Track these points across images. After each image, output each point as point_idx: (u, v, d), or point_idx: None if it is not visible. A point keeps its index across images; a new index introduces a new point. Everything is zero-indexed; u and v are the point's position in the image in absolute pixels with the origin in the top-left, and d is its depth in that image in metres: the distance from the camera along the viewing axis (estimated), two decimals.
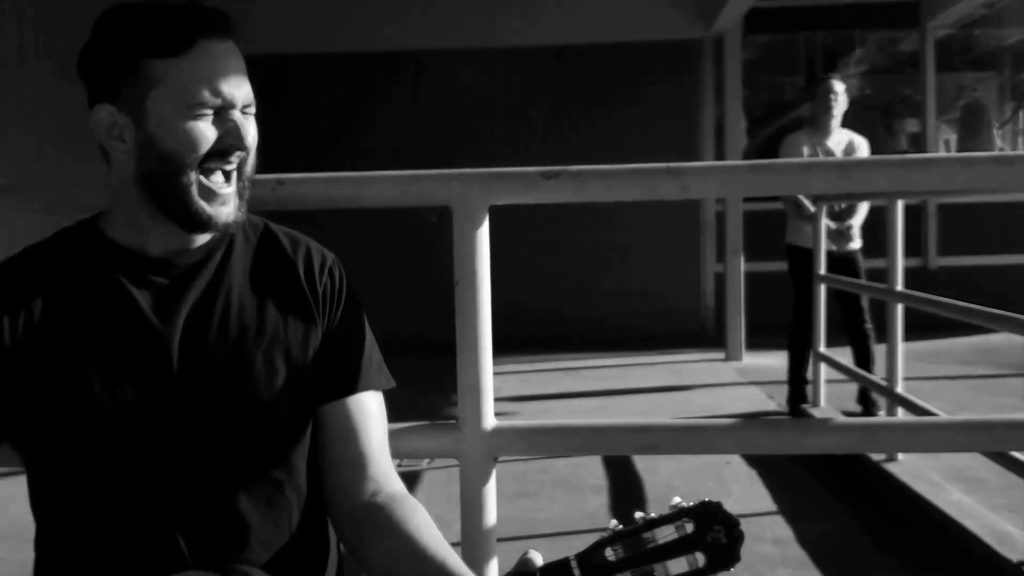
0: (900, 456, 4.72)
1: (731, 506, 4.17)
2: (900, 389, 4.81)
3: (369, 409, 1.66)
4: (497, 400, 6.64)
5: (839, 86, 6.18)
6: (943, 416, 4.02)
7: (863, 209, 6.25)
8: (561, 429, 2.02)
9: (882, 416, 5.82)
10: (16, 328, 1.51)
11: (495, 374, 6.66)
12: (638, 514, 1.33)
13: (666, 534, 1.30)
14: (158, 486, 1.49)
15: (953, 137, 10.71)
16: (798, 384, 6.42)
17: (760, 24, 9.96)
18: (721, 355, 8.98)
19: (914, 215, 9.94)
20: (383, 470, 1.63)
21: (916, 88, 10.48)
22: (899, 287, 4.76)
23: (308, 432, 1.61)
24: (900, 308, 4.83)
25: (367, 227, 9.25)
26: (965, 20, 10.32)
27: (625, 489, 5.04)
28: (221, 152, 1.51)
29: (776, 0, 9.61)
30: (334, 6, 8.90)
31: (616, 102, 10.36)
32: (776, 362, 6.74)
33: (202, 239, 1.59)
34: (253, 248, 1.66)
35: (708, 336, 10.11)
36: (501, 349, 7.85)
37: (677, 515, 1.31)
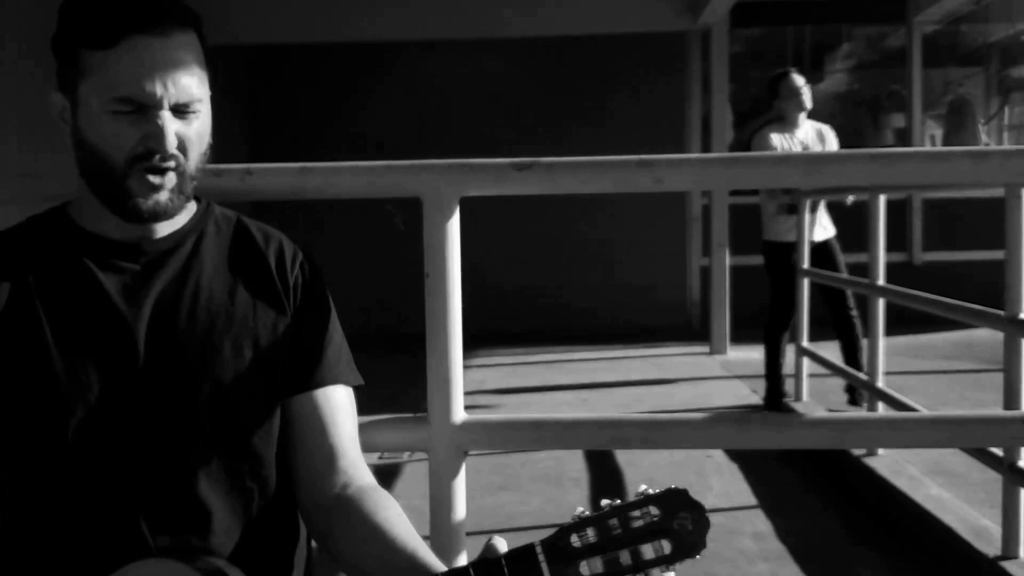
0: (880, 451, 4.72)
1: (711, 500, 4.16)
2: (881, 384, 4.81)
3: (339, 402, 1.66)
4: (481, 392, 6.64)
5: (801, 79, 6.20)
6: (915, 412, 4.03)
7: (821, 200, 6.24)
8: (530, 423, 2.00)
9: (862, 411, 5.85)
10: None
11: (480, 367, 6.69)
12: (604, 501, 1.33)
13: (632, 521, 1.30)
14: (121, 471, 1.49)
15: (939, 132, 10.73)
16: (775, 380, 6.44)
17: (747, 18, 9.96)
18: (706, 349, 9.00)
19: (899, 210, 9.96)
20: (353, 463, 1.63)
21: (903, 83, 10.50)
22: (881, 281, 4.75)
23: (274, 422, 1.60)
24: (882, 303, 4.83)
25: (360, 217, 9.27)
26: (952, 16, 10.34)
27: (606, 482, 5.05)
28: (146, 154, 1.49)
29: None
30: None
31: (603, 94, 10.40)
32: (761, 356, 6.76)
33: (167, 227, 1.59)
34: (225, 239, 1.66)
35: (694, 330, 10.13)
36: (487, 342, 7.88)
37: (643, 502, 1.31)
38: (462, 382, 1.99)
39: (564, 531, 1.30)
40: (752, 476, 5.02)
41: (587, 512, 1.32)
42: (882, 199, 4.73)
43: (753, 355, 7.83)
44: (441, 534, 1.98)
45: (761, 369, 6.72)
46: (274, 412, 1.60)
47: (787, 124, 6.23)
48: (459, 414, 1.96)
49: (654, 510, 1.30)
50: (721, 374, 7.91)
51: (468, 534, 2.03)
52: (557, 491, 4.90)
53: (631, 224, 10.36)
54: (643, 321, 10.22)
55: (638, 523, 1.30)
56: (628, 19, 8.96)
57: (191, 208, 1.65)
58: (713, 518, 3.91)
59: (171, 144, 1.49)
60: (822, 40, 11.01)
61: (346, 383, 1.68)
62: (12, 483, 1.52)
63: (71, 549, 1.49)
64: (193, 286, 1.58)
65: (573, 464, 5.28)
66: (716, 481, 4.94)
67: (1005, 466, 3.35)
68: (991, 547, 3.52)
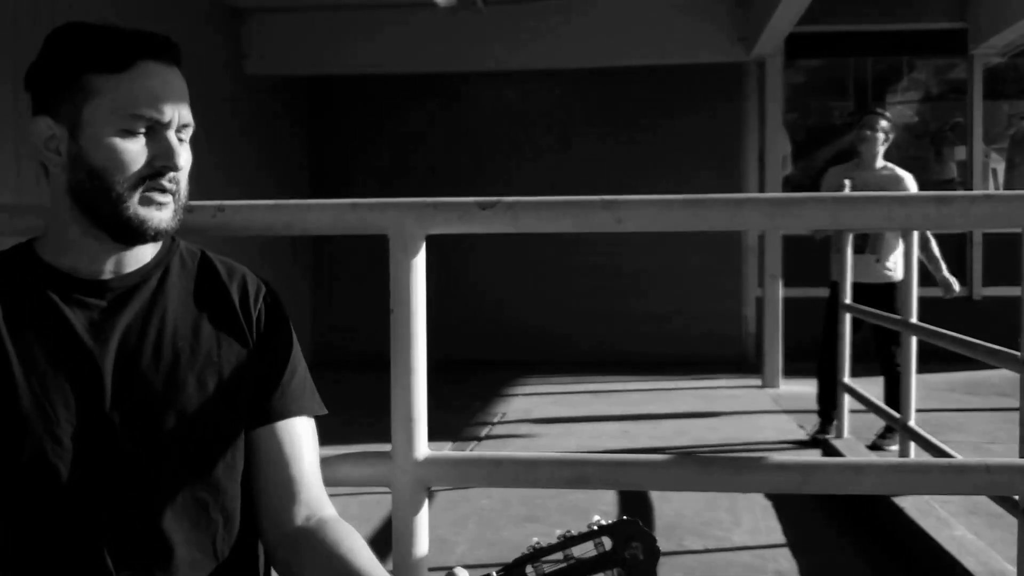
0: None
1: (739, 537, 4.10)
2: (912, 423, 4.72)
3: (301, 434, 1.68)
4: (524, 421, 6.63)
5: (882, 122, 6.14)
6: (944, 458, 3.96)
7: (894, 241, 6.17)
8: (491, 461, 2.01)
9: (893, 451, 5.77)
10: None
11: (528, 395, 6.76)
12: (558, 531, 1.35)
13: (585, 551, 1.33)
14: (86, 504, 1.52)
15: (1002, 166, 10.53)
16: (826, 415, 6.40)
17: (804, 49, 9.89)
18: (758, 382, 8.90)
19: (959, 245, 9.80)
20: (315, 495, 1.66)
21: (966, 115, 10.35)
22: (913, 319, 4.68)
23: (237, 455, 1.63)
24: (914, 340, 4.76)
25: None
26: (1015, 48, 10.14)
27: (636, 516, 5.00)
28: (155, 174, 1.54)
29: (819, 25, 9.53)
30: (380, 29, 9.01)
31: (657, 125, 10.39)
32: (814, 390, 6.70)
33: (135, 263, 1.62)
34: (190, 274, 1.69)
35: (749, 362, 10.03)
36: (539, 369, 7.95)
37: (596, 532, 1.34)
38: (426, 417, 2.00)
39: (519, 561, 1.33)
40: (784, 514, 4.95)
41: (542, 543, 1.34)
42: (916, 235, 4.65)
43: (806, 389, 7.74)
44: (403, 570, 1.99)
45: (812, 404, 6.68)
46: (238, 444, 1.63)
47: (859, 163, 6.21)
48: (422, 450, 1.97)
49: (606, 540, 1.33)
50: (770, 408, 7.82)
51: (431, 569, 2.04)
52: (584, 524, 4.86)
53: (688, 254, 10.32)
54: (698, 352, 10.16)
55: (591, 553, 1.33)
56: (680, 50, 8.95)
57: (156, 244, 1.68)
58: (737, 556, 3.94)
59: (181, 161, 1.55)
60: (884, 71, 10.88)
61: (309, 414, 1.71)
62: None
63: None
64: (158, 321, 1.61)
65: (604, 497, 5.24)
66: (747, 518, 4.88)
67: (1020, 510, 3.28)
68: None
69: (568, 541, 1.33)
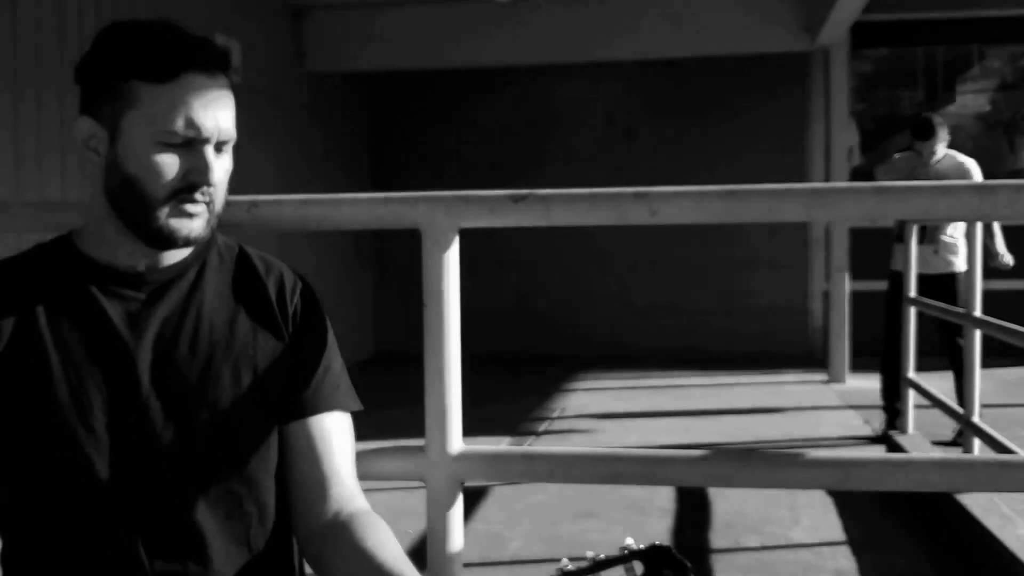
0: None
1: (798, 535, 4.04)
2: (976, 418, 4.61)
3: (335, 429, 1.68)
4: (582, 417, 6.60)
5: (941, 131, 6.04)
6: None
7: (959, 229, 6.07)
8: (526, 456, 2.00)
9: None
10: None
11: (587, 391, 6.76)
12: (589, 553, 1.32)
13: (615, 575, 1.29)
14: (120, 495, 1.52)
15: None
16: (891, 410, 6.29)
17: (871, 38, 9.73)
18: (824, 377, 8.78)
19: None
20: (348, 489, 1.65)
21: None
22: (977, 312, 4.57)
23: (271, 448, 1.63)
24: (978, 334, 4.65)
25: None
26: None
27: (692, 514, 4.95)
28: (187, 188, 1.53)
29: (886, 13, 9.36)
30: (439, 24, 9.03)
31: (721, 116, 10.28)
32: (880, 386, 6.58)
33: (172, 257, 1.62)
34: (227, 269, 1.69)
35: (815, 357, 9.89)
36: (597, 365, 7.92)
37: (627, 557, 1.31)
38: (460, 412, 1.99)
39: None
40: (845, 512, 4.87)
41: (570, 565, 1.31)
42: (979, 227, 4.55)
43: (872, 384, 7.59)
44: (437, 564, 1.98)
45: (878, 400, 6.57)
46: (272, 438, 1.63)
47: (921, 153, 6.13)
48: (456, 445, 1.96)
49: (637, 566, 1.30)
50: (835, 404, 7.70)
51: (466, 565, 2.03)
52: (642, 520, 4.83)
53: (753, 247, 10.21)
54: (763, 346, 10.04)
55: None
56: (743, 40, 8.84)
57: None
58: (797, 554, 3.90)
59: (215, 178, 1.55)
60: (955, 60, 10.67)
61: (344, 409, 1.70)
62: (14, 506, 1.57)
63: (70, 573, 1.53)
64: (195, 315, 1.62)
65: (663, 492, 5.20)
66: (807, 515, 4.81)
67: None
68: None
69: (597, 565, 1.30)
